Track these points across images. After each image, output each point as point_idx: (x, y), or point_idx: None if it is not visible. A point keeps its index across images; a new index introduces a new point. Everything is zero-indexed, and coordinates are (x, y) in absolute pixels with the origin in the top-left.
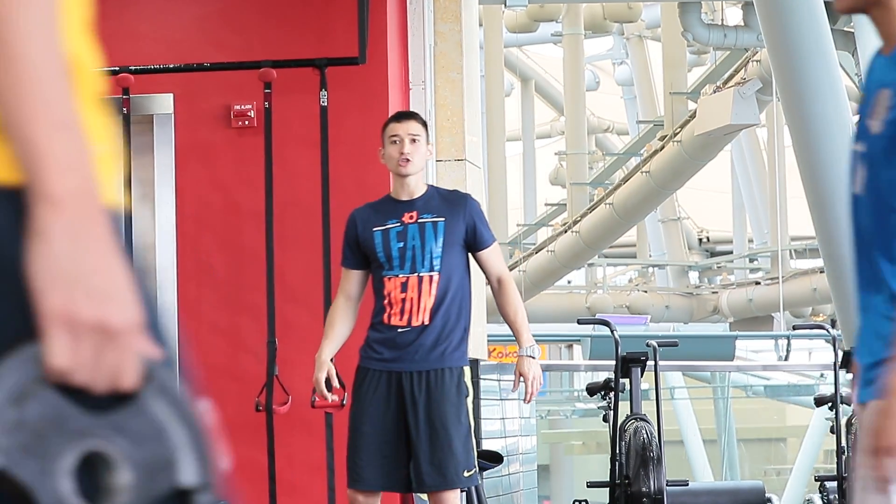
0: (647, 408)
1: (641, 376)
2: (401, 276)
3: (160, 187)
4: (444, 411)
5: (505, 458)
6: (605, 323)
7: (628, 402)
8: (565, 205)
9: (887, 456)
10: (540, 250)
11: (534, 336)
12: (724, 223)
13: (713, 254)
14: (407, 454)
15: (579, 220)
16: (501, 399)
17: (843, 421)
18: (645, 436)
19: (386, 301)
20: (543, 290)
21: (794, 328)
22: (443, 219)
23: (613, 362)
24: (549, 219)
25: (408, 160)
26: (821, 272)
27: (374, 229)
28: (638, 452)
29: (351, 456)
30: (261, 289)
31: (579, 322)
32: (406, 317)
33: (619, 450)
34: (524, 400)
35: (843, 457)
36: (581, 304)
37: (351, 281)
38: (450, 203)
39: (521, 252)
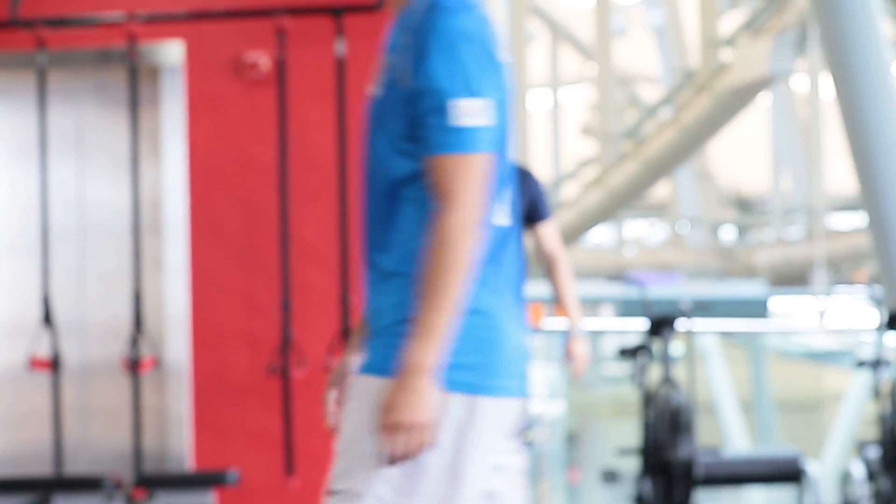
0: (679, 371)
1: (673, 338)
2: None
3: (168, 141)
4: None
5: (531, 425)
6: (637, 282)
7: (660, 366)
8: (592, 159)
9: (396, 432)
10: (566, 206)
11: None
12: (760, 179)
13: (748, 210)
14: None
15: (607, 174)
16: None
17: (886, 385)
18: (676, 401)
19: None
20: (570, 247)
21: (834, 287)
22: None
23: (644, 324)
24: (575, 172)
25: None
26: (861, 230)
27: None
28: (669, 419)
29: None
30: (274, 247)
31: (609, 280)
32: None
33: (650, 416)
34: (573, 375)
35: (886, 423)
36: (610, 262)
37: None
38: None
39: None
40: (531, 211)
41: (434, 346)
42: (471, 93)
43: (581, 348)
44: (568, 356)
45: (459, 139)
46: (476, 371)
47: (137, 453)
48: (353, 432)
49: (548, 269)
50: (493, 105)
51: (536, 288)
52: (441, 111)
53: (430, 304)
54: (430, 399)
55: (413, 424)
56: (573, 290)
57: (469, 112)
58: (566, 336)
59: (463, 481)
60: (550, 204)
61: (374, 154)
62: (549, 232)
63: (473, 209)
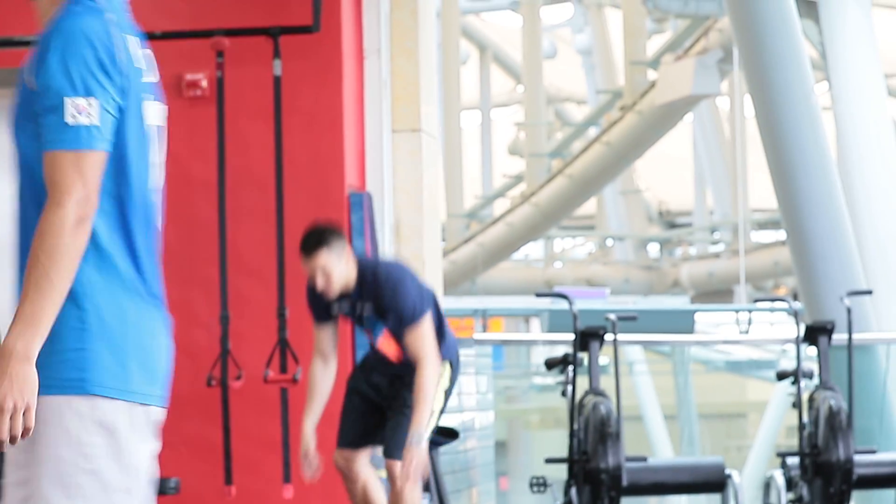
0: (606, 383)
1: (600, 350)
2: (367, 329)
3: None
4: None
5: (461, 434)
6: (564, 296)
7: (587, 377)
8: (523, 176)
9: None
10: (497, 222)
11: (492, 310)
12: (684, 195)
13: (673, 226)
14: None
15: (537, 192)
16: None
17: (805, 396)
18: (603, 411)
19: (371, 347)
20: (500, 263)
21: (756, 301)
22: (371, 305)
23: (572, 336)
24: (506, 190)
25: (327, 290)
26: (782, 245)
27: (333, 302)
28: (596, 428)
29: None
30: (213, 262)
31: (537, 295)
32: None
33: (578, 425)
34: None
35: (805, 432)
36: (539, 277)
37: (325, 337)
38: (376, 296)
39: (479, 224)
40: (396, 324)
41: (34, 335)
42: (86, 92)
43: (412, 453)
44: (403, 458)
45: (71, 136)
46: (98, 371)
47: None
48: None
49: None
50: (110, 106)
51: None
52: (56, 109)
53: (31, 294)
54: (29, 384)
55: (10, 408)
56: (426, 395)
57: (82, 110)
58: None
59: (105, 481)
60: (409, 312)
61: (21, 159)
62: (409, 339)
63: (81, 205)
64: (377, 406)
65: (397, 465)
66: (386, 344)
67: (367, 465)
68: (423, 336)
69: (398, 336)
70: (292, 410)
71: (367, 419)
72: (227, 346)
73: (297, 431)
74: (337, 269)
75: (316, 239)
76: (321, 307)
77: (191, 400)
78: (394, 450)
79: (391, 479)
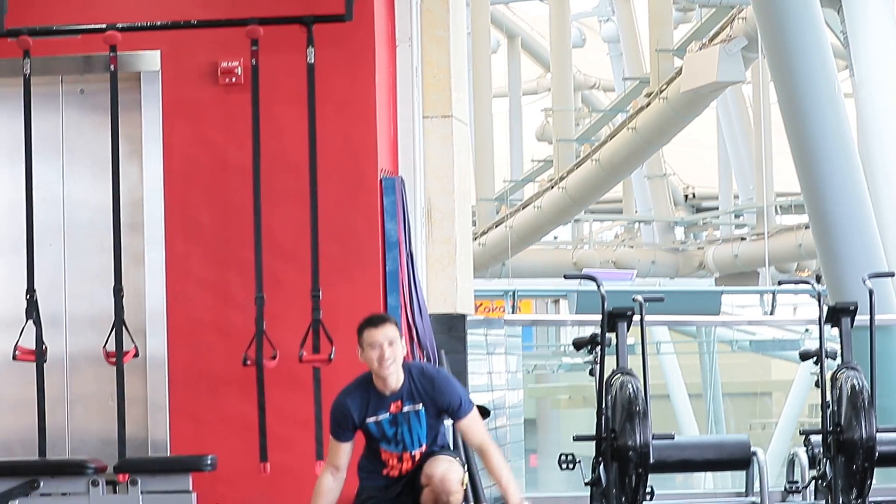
0: (633, 362)
1: (628, 331)
2: (395, 452)
3: (148, 144)
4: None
5: (492, 412)
6: (592, 278)
7: (614, 357)
8: (552, 161)
9: None
10: (526, 206)
11: (521, 291)
12: (710, 179)
13: (699, 209)
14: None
15: (566, 177)
16: (488, 353)
17: (828, 375)
18: (631, 390)
19: (384, 464)
20: (530, 246)
21: (780, 283)
22: (422, 405)
23: (600, 317)
24: (535, 175)
25: (391, 363)
26: (806, 228)
27: (369, 420)
28: (624, 406)
29: None
30: (248, 244)
31: (566, 277)
32: (402, 473)
33: (606, 404)
34: None
35: (828, 411)
36: (567, 260)
37: (342, 454)
38: (426, 388)
39: (508, 208)
40: (449, 414)
41: None
42: None
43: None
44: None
45: None
46: None
47: (122, 440)
48: None
49: (481, 459)
50: None
51: (496, 283)
52: None
53: None
54: None
55: None
56: (507, 473)
57: None
58: None
59: None
60: (465, 398)
61: None
62: (469, 426)
63: None
64: (406, 488)
65: (447, 459)
66: (414, 460)
67: None
68: (479, 420)
69: (431, 436)
70: (325, 389)
71: None
72: (262, 327)
73: (329, 410)
74: (399, 349)
75: (383, 315)
76: (349, 421)
77: (227, 379)
78: (441, 452)
79: (430, 470)
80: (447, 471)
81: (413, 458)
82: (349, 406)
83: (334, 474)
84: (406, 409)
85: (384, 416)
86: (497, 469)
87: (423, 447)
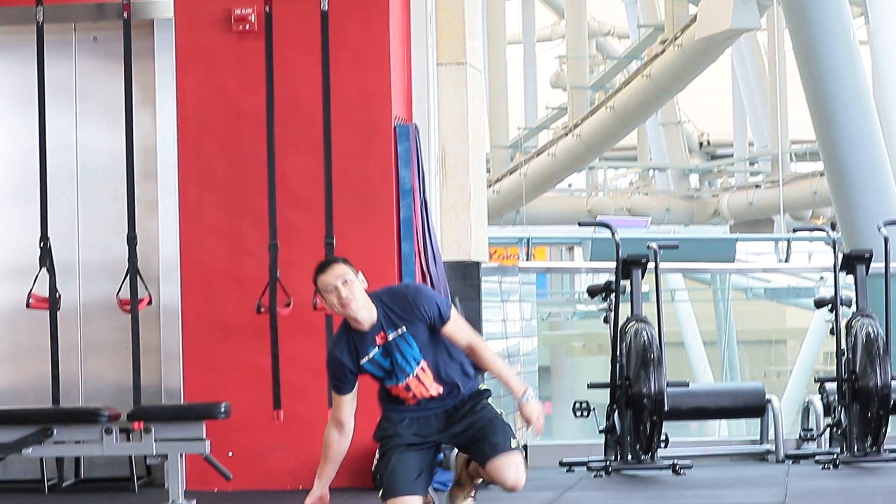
0: (648, 310)
1: (642, 278)
2: (400, 384)
3: (161, 91)
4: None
5: (506, 360)
6: (606, 225)
7: (629, 305)
8: (566, 108)
9: None
10: (541, 153)
11: (536, 238)
12: (724, 127)
13: (713, 157)
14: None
15: (580, 124)
16: (503, 301)
17: (843, 323)
18: (645, 337)
19: (400, 399)
20: (544, 193)
21: (795, 231)
22: (403, 328)
23: (614, 264)
24: (549, 122)
25: (349, 302)
26: (821, 175)
27: (363, 362)
28: (638, 354)
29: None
30: (262, 192)
31: (580, 224)
32: (419, 397)
33: (620, 351)
34: (535, 434)
35: (843, 358)
36: (582, 207)
37: (344, 407)
38: (401, 309)
39: (522, 155)
40: (433, 325)
41: None
42: None
43: (533, 409)
44: (525, 420)
45: None
46: None
47: (137, 387)
48: None
49: (473, 358)
50: None
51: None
52: None
53: None
54: None
55: None
56: (503, 366)
57: None
58: (516, 404)
59: None
60: (443, 303)
61: None
62: (453, 331)
63: None
64: (429, 445)
65: (512, 459)
66: (422, 380)
67: None
68: (462, 320)
69: (434, 350)
70: None
71: (421, 462)
72: (276, 274)
73: None
74: (357, 285)
75: (330, 258)
76: (346, 370)
77: (240, 327)
78: (502, 446)
79: (502, 478)
80: (519, 478)
81: (419, 379)
82: (338, 356)
83: (339, 429)
84: (391, 336)
85: (374, 352)
86: (492, 364)
87: (423, 363)
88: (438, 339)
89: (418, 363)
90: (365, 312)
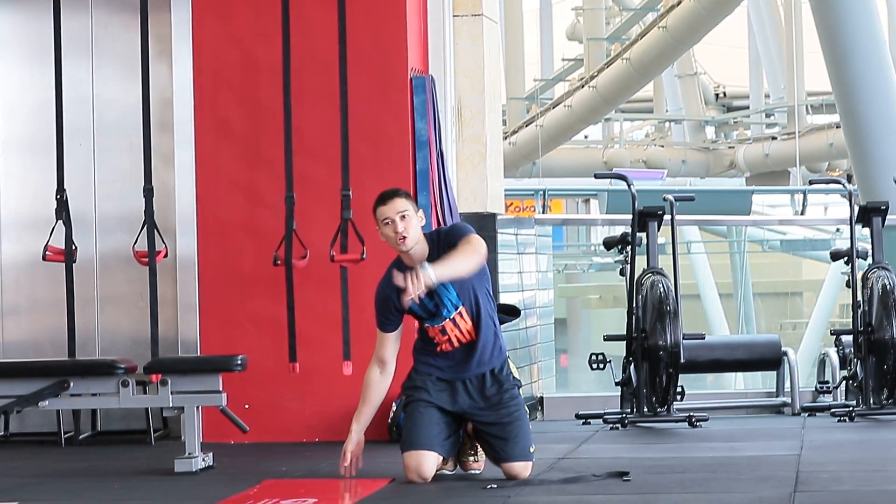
0: (664, 262)
1: (658, 230)
2: (437, 325)
3: (177, 43)
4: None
5: (522, 312)
6: (622, 177)
7: (645, 257)
8: (582, 60)
9: None
10: (557, 105)
11: (552, 191)
12: (740, 78)
13: (730, 109)
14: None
15: (596, 76)
16: (519, 253)
17: (859, 275)
18: (661, 290)
19: (435, 343)
20: (560, 145)
21: (811, 183)
22: None
23: (630, 217)
24: (566, 74)
25: (404, 237)
26: (837, 127)
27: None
28: (654, 306)
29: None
30: (278, 144)
31: (596, 176)
32: (453, 343)
33: (636, 303)
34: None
35: (859, 311)
36: (598, 159)
37: (388, 345)
38: (448, 248)
39: (539, 107)
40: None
41: None
42: None
43: (419, 274)
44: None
45: None
46: None
47: (155, 340)
48: None
49: None
50: None
51: (527, 182)
52: None
53: None
54: None
55: None
56: (461, 257)
57: None
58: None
59: None
60: (464, 229)
61: None
62: (467, 240)
63: None
64: (456, 417)
65: (528, 466)
66: (458, 324)
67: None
68: (470, 241)
69: (471, 295)
70: (355, 289)
71: (446, 426)
72: (292, 226)
73: (357, 309)
74: (414, 221)
75: (393, 190)
76: (391, 306)
77: (257, 279)
78: (518, 455)
79: (510, 475)
80: (525, 475)
81: (455, 323)
82: (387, 291)
83: (381, 367)
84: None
85: (421, 292)
86: (458, 250)
87: (461, 308)
88: (480, 282)
89: (457, 308)
90: (418, 249)
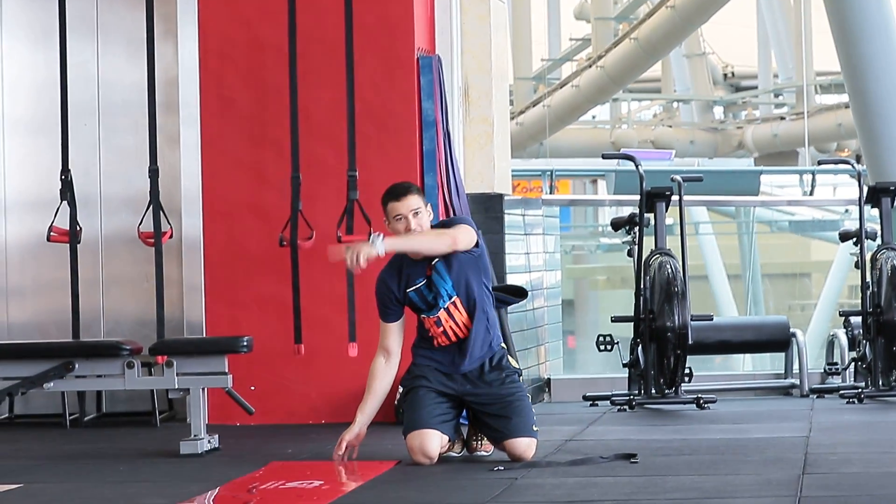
0: (672, 243)
1: (666, 211)
2: (433, 316)
3: (183, 22)
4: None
5: (529, 293)
6: (630, 158)
7: (653, 238)
8: (590, 40)
9: None
10: (564, 85)
11: (559, 171)
12: (749, 58)
13: (738, 89)
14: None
15: (604, 55)
16: (526, 234)
17: (868, 256)
18: (669, 271)
19: (430, 333)
20: (568, 125)
21: (819, 163)
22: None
23: (638, 197)
24: (573, 54)
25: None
26: (846, 107)
27: (409, 290)
28: (662, 287)
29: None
30: (284, 124)
31: (604, 157)
32: (449, 336)
33: (644, 285)
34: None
35: (868, 292)
36: (606, 139)
37: (391, 335)
38: None
39: (546, 87)
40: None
41: None
42: None
43: (359, 246)
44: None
45: None
46: None
47: (161, 321)
48: None
49: None
50: None
51: (534, 163)
52: None
53: None
54: None
55: None
56: (424, 235)
57: None
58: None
59: None
60: (464, 218)
61: None
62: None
63: None
64: (456, 401)
65: (532, 444)
66: (452, 314)
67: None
68: (460, 228)
69: (466, 286)
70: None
71: (446, 408)
72: (298, 207)
73: (363, 291)
74: (425, 216)
75: (405, 185)
76: (391, 296)
77: (262, 260)
78: (521, 430)
79: (513, 454)
80: (529, 455)
81: (450, 314)
82: (388, 282)
83: (386, 357)
84: (435, 266)
85: (422, 283)
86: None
87: (455, 298)
88: (469, 275)
89: (451, 297)
90: None
